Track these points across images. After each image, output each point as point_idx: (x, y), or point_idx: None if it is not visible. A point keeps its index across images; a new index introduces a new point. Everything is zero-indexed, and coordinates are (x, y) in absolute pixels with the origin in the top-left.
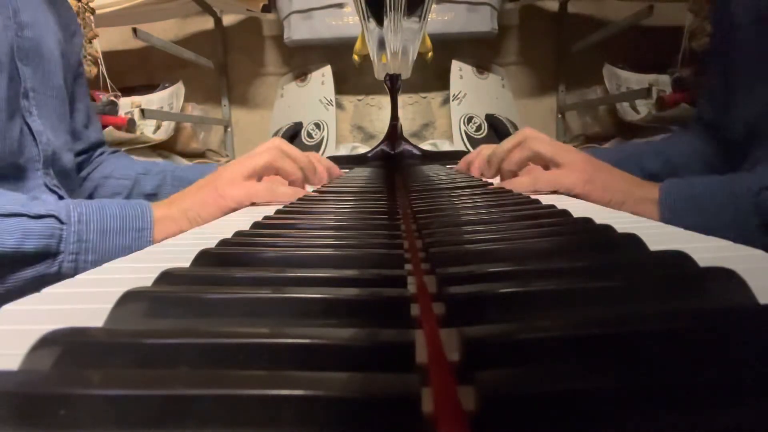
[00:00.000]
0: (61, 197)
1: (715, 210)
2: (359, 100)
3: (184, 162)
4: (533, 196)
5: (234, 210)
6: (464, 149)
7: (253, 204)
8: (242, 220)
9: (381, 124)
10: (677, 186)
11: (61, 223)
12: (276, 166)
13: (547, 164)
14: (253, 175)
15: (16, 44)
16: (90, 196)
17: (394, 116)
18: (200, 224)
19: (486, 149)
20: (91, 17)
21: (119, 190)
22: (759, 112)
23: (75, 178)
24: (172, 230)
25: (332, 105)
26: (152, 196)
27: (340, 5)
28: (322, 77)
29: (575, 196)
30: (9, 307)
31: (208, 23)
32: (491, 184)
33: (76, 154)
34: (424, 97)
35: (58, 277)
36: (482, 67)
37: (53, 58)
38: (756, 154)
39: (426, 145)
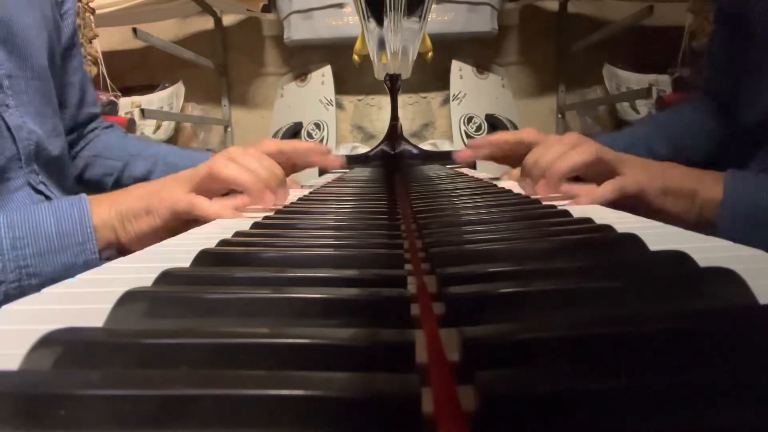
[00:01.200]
0: (47, 198)
1: None
2: (359, 100)
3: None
4: (533, 196)
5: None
6: None
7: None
8: (242, 220)
9: (381, 124)
10: (743, 187)
11: None
12: (220, 177)
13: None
14: (194, 190)
15: None
16: (80, 176)
17: (394, 116)
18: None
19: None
20: (91, 17)
21: (110, 171)
22: None
23: (67, 164)
24: (111, 238)
25: (332, 105)
26: (143, 180)
27: (340, 5)
28: (322, 77)
29: (642, 200)
30: (9, 307)
31: (208, 23)
32: (493, 185)
33: (67, 133)
34: (424, 97)
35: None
36: (482, 67)
37: (30, 35)
38: None
39: (426, 145)
